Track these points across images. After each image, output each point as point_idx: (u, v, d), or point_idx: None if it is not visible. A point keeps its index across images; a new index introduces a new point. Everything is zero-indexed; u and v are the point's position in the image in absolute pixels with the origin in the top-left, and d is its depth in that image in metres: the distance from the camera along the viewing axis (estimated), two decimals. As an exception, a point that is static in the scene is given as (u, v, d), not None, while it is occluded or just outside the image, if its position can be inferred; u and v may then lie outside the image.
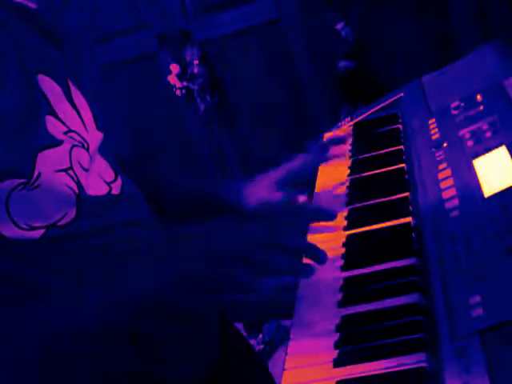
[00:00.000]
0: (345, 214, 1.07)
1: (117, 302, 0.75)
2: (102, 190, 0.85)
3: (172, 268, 0.75)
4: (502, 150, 0.96)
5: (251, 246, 0.75)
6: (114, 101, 2.54)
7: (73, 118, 0.84)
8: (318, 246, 0.81)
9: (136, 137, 2.64)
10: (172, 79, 2.45)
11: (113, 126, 1.00)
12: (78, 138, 0.83)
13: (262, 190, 1.07)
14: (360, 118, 1.42)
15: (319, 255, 0.79)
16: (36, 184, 0.75)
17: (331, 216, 0.86)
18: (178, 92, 2.47)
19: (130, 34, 2.49)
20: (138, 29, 2.47)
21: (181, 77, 2.44)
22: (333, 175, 1.22)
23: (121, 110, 2.58)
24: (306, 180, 1.12)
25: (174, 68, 2.43)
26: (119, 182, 0.89)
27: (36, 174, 0.75)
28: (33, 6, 0.89)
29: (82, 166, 0.82)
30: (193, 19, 2.40)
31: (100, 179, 0.86)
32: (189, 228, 0.84)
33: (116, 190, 0.87)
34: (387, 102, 1.41)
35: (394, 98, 1.40)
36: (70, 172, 0.80)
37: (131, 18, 2.45)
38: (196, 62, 2.42)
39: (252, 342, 2.31)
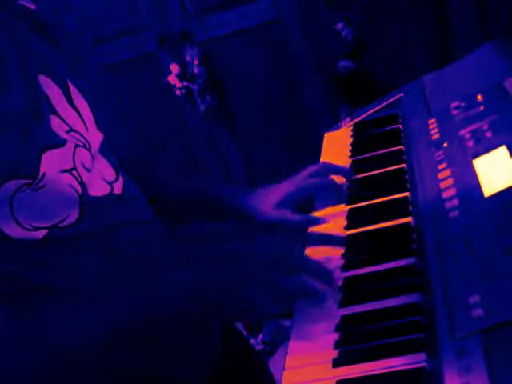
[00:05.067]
0: (345, 213, 1.07)
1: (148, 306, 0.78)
2: (104, 190, 0.85)
3: (194, 281, 0.79)
4: (502, 150, 0.95)
5: (270, 269, 0.79)
6: (114, 101, 2.54)
7: (74, 118, 0.84)
8: None
9: (136, 137, 2.63)
10: (172, 79, 2.45)
11: (113, 127, 1.00)
12: (80, 137, 0.83)
13: (264, 203, 1.05)
14: (360, 118, 1.41)
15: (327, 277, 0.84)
16: (41, 185, 0.75)
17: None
18: (177, 92, 2.47)
19: (130, 34, 2.49)
20: (138, 29, 2.47)
21: (181, 77, 2.44)
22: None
23: (121, 110, 2.58)
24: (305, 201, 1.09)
25: (174, 68, 2.43)
26: (120, 181, 0.89)
27: (41, 174, 0.75)
28: (32, 6, 0.89)
29: (84, 167, 0.82)
30: (193, 19, 2.40)
31: (102, 179, 0.86)
32: (204, 244, 0.86)
33: (117, 190, 0.87)
34: (387, 102, 1.41)
35: (394, 98, 1.40)
36: (74, 172, 0.80)
37: (131, 18, 2.45)
38: (196, 62, 2.42)
39: (252, 341, 2.31)
